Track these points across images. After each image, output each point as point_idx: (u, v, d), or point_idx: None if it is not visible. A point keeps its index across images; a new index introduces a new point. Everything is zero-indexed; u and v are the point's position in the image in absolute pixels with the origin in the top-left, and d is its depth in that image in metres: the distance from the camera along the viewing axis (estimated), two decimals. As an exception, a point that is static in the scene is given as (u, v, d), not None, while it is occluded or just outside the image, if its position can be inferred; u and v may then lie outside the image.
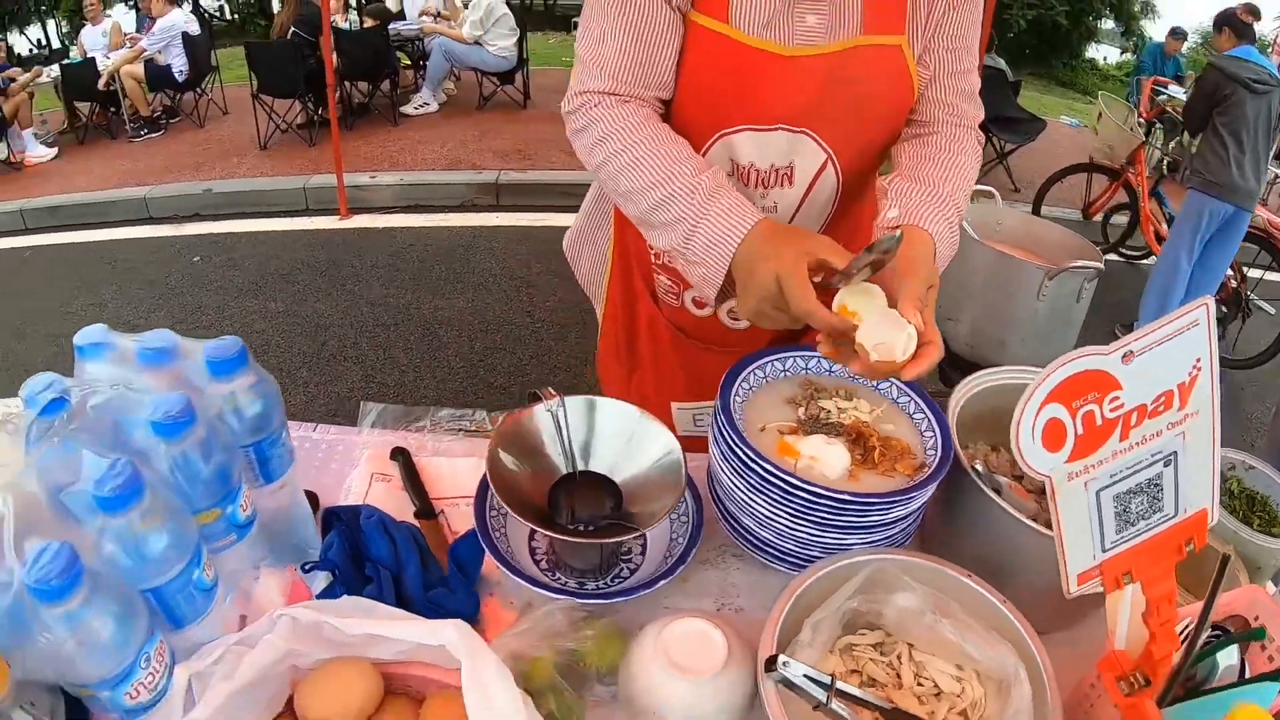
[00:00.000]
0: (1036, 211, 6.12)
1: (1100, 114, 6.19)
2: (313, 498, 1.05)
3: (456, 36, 7.50)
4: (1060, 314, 3.00)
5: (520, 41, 7.74)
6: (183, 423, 0.72)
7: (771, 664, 0.69)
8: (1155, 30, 23.20)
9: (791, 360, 1.04)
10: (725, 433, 0.89)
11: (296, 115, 7.16)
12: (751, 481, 0.87)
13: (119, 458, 0.65)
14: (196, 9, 22.53)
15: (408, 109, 7.80)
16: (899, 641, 0.83)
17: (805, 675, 0.69)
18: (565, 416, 0.97)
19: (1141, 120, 7.45)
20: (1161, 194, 5.75)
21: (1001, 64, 7.86)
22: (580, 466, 0.97)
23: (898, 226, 0.96)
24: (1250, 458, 1.16)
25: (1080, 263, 2.81)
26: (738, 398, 0.96)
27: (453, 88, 8.40)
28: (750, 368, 1.02)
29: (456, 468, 1.13)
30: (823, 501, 0.83)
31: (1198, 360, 0.69)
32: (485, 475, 0.92)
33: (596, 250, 1.47)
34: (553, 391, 0.98)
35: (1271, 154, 4.16)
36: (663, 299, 1.34)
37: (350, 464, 1.14)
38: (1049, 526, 0.76)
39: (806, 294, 0.85)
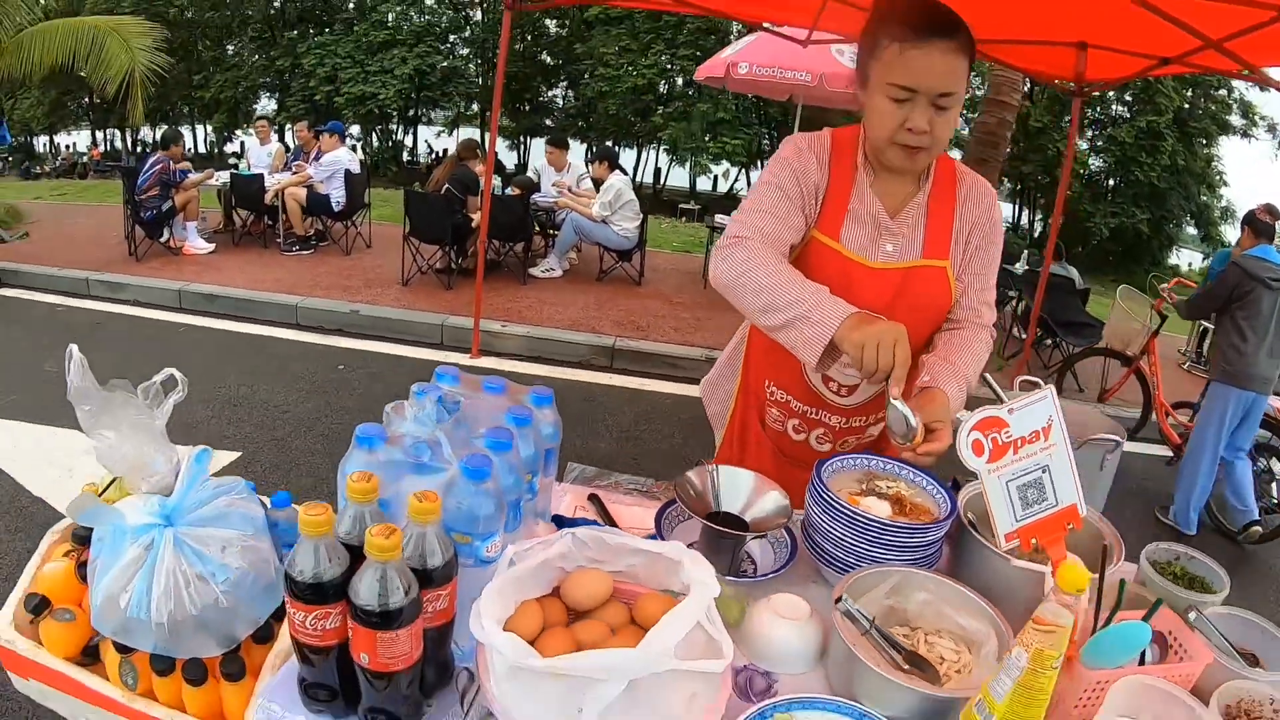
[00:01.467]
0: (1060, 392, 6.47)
1: (1114, 303, 6.67)
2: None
3: (587, 214, 8.38)
4: (1084, 480, 3.39)
5: (642, 225, 8.60)
6: (526, 421, 1.33)
7: (838, 600, 1.24)
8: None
9: (859, 460, 1.62)
10: (818, 488, 1.45)
11: (436, 260, 8.07)
12: (833, 514, 1.42)
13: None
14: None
15: (535, 271, 8.68)
16: (919, 630, 1.35)
17: (858, 610, 1.24)
18: (717, 476, 1.55)
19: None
20: None
21: (1072, 272, 8.40)
22: (723, 507, 1.54)
23: (925, 387, 1.57)
24: (1194, 551, 1.64)
25: (1101, 436, 3.29)
26: (825, 473, 1.54)
27: (575, 258, 9.23)
28: (833, 460, 1.60)
29: (633, 512, 1.71)
30: (873, 527, 1.38)
31: (1050, 416, 1.29)
32: (666, 502, 1.51)
33: (725, 393, 2.08)
34: (709, 461, 1.58)
35: None
36: (770, 426, 1.93)
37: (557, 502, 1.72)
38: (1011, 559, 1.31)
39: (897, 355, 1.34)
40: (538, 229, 9.22)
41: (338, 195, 9.00)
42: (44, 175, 25.28)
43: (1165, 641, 1.31)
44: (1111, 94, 24.50)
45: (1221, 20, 3.06)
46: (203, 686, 1.24)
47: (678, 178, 29.81)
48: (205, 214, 9.47)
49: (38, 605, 1.38)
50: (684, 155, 24.48)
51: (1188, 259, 28.61)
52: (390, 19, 27.97)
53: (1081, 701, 1.15)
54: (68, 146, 33.88)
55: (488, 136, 27.63)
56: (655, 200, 22.34)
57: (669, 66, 23.48)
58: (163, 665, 1.24)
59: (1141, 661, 1.24)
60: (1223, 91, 23.47)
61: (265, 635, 1.28)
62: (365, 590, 0.93)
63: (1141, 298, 6.87)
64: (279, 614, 1.27)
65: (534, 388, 1.45)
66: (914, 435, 1.39)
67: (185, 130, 29.90)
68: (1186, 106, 23.55)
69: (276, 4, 29.43)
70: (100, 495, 1.47)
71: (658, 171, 30.25)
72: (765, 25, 5.68)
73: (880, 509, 1.45)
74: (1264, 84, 4.04)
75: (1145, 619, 1.17)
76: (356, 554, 0.99)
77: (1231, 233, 24.78)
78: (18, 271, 7.79)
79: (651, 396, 5.91)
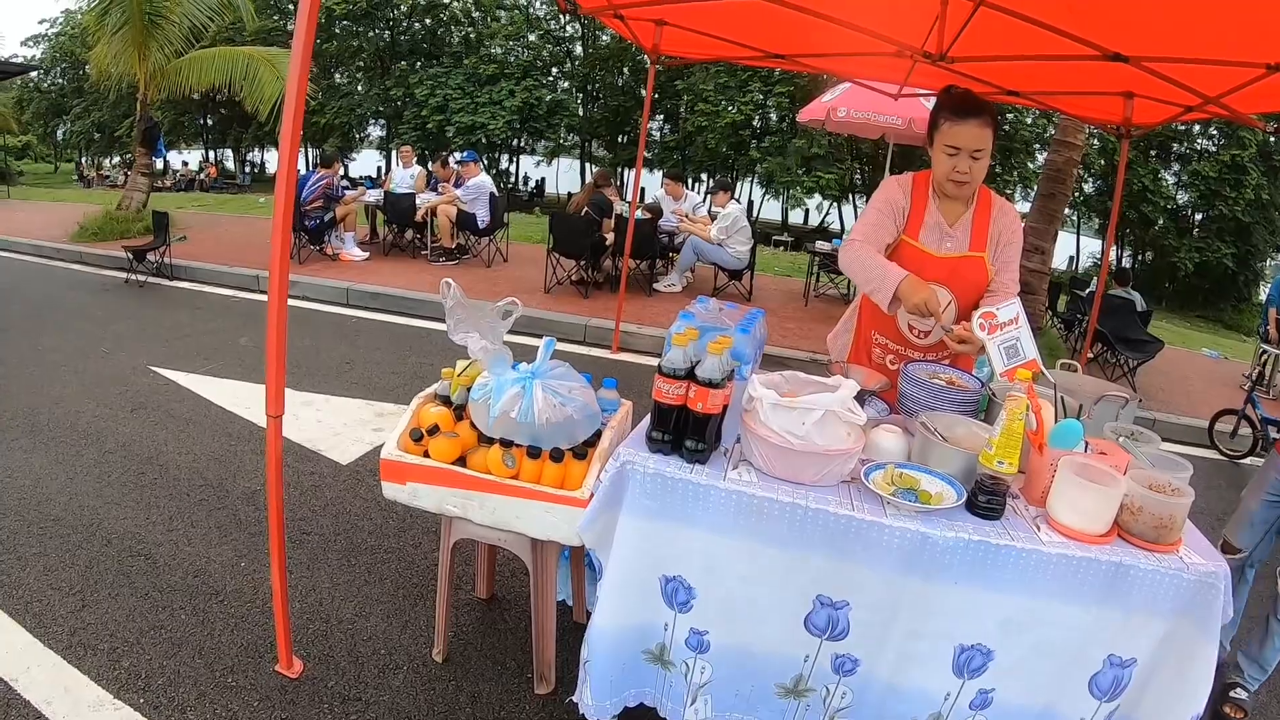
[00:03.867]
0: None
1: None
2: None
3: (705, 236, 9.53)
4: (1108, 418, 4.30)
5: (752, 249, 9.74)
6: (747, 328, 2.51)
7: (922, 422, 2.37)
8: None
9: (929, 365, 2.76)
10: (909, 371, 2.60)
11: (574, 273, 9.22)
12: (914, 382, 2.56)
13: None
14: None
15: (658, 285, 9.94)
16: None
17: (931, 426, 2.37)
18: (847, 370, 2.70)
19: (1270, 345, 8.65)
20: (1256, 399, 6.99)
21: (1134, 296, 9.30)
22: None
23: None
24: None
25: (1114, 393, 4.16)
26: (911, 369, 2.68)
27: (691, 276, 10.41)
28: (913, 364, 2.74)
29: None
30: (937, 389, 2.51)
31: (1018, 314, 2.45)
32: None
33: (843, 343, 3.22)
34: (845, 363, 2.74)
35: None
36: (874, 361, 3.07)
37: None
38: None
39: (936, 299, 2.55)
40: (660, 250, 10.26)
41: (483, 214, 10.35)
42: (164, 189, 27.09)
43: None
44: (1196, 128, 24.76)
45: (1216, 81, 3.72)
46: (559, 464, 2.39)
47: (770, 210, 30.64)
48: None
49: (431, 429, 2.44)
50: (779, 188, 25.41)
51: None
52: (496, 53, 29.55)
53: (1050, 471, 2.20)
54: (183, 163, 36.43)
55: (588, 167, 28.82)
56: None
57: (765, 102, 24.30)
58: (535, 453, 2.37)
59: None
60: (1316, 134, 23.55)
61: (585, 452, 2.39)
62: (708, 367, 2.10)
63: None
64: (591, 442, 2.39)
65: (751, 309, 2.62)
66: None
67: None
68: (1271, 140, 23.63)
69: (387, 36, 31.24)
70: (458, 375, 2.62)
71: (750, 204, 31.20)
72: (862, 81, 6.61)
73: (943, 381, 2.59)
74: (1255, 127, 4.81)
75: (1078, 418, 2.27)
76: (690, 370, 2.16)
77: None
78: (189, 268, 9.29)
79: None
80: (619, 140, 30.41)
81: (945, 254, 2.79)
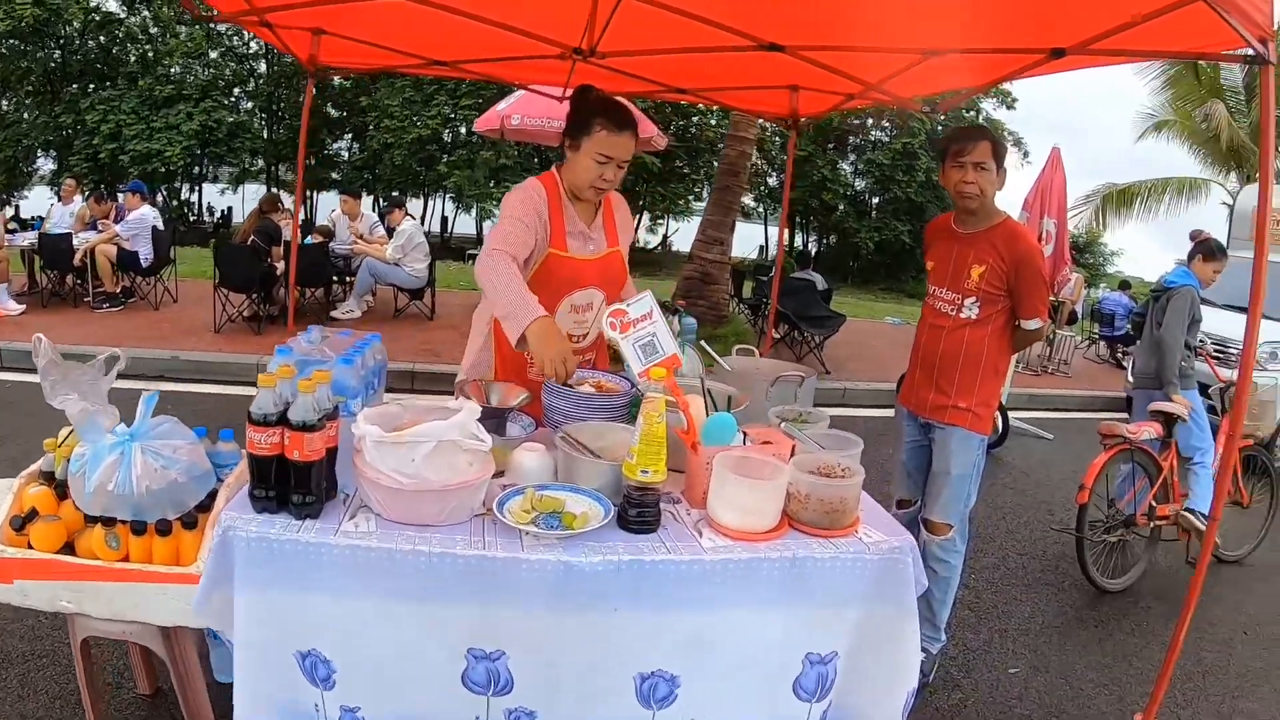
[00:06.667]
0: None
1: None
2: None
3: (380, 257, 9.16)
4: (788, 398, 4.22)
5: (431, 265, 9.48)
6: (354, 355, 2.25)
7: (561, 437, 2.21)
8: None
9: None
10: (550, 383, 2.43)
11: (245, 308, 8.56)
12: (555, 393, 2.40)
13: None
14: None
15: (336, 313, 9.32)
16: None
17: (572, 438, 2.21)
18: (487, 387, 2.50)
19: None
20: None
21: (814, 276, 9.93)
22: (493, 404, 2.48)
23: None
24: (834, 431, 2.72)
25: (790, 373, 4.20)
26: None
27: (372, 300, 9.89)
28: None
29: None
30: (578, 397, 2.36)
31: (651, 308, 2.32)
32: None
33: (486, 358, 2.93)
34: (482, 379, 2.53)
35: None
36: (532, 374, 2.89)
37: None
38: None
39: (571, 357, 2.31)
40: (335, 275, 9.87)
41: (145, 251, 9.34)
42: None
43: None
44: (870, 120, 27.23)
45: (874, 68, 3.82)
46: (168, 536, 2.07)
47: (464, 224, 30.45)
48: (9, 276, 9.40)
49: (28, 516, 2.12)
50: (469, 202, 25.31)
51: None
52: (175, 72, 27.28)
53: (707, 470, 2.08)
54: None
55: (280, 192, 27.41)
56: (444, 247, 22.72)
57: (452, 116, 23.88)
58: (139, 528, 2.05)
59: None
60: (971, 114, 26.38)
61: (195, 520, 2.10)
62: (299, 408, 1.82)
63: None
64: (205, 507, 2.11)
65: (365, 334, 2.36)
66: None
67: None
68: (940, 128, 26.29)
69: (58, 56, 27.97)
70: (59, 446, 2.29)
71: (444, 220, 31.06)
72: (530, 86, 6.51)
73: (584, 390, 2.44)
74: (908, 109, 5.13)
75: (727, 410, 2.19)
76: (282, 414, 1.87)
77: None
78: None
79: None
80: (309, 162, 28.96)
81: (590, 256, 2.73)
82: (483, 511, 1.99)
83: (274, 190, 22.06)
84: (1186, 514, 4.85)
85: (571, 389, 2.36)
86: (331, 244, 9.69)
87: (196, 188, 31.36)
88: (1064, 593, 4.62)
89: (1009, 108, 27.22)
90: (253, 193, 30.64)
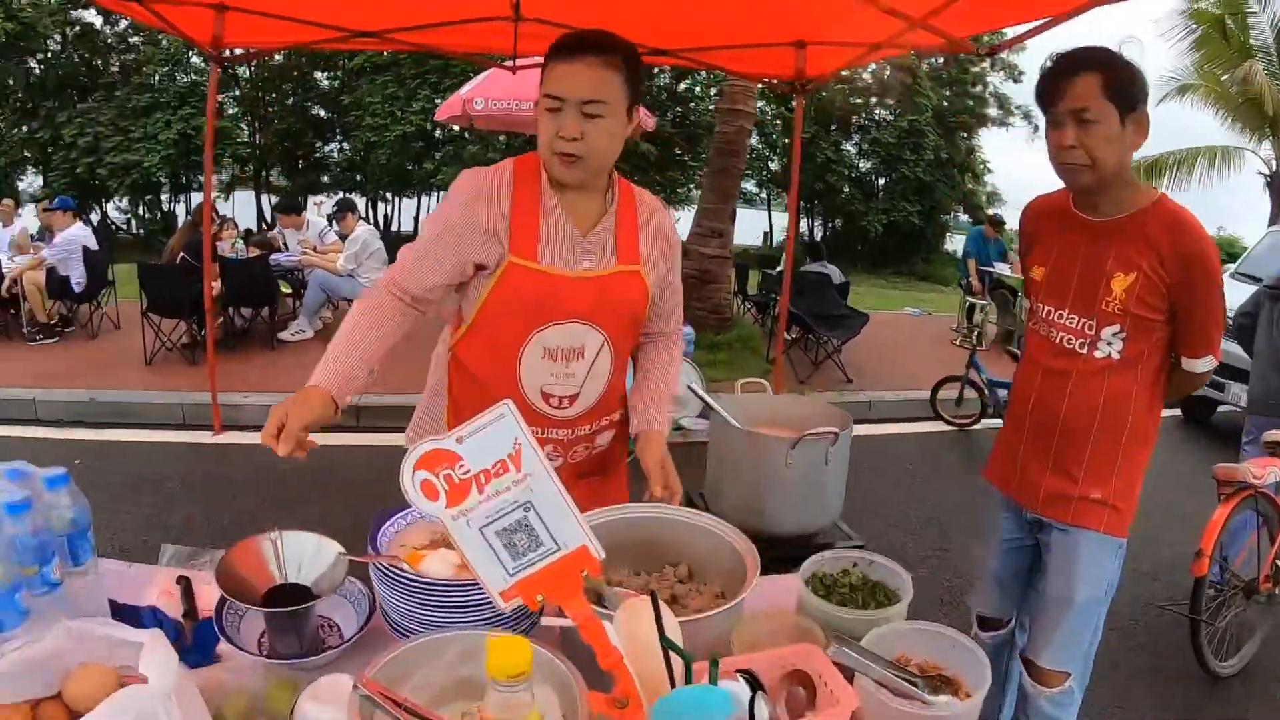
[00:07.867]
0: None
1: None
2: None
3: (332, 269, 8.17)
4: (810, 478, 3.38)
5: None
6: (21, 507, 1.21)
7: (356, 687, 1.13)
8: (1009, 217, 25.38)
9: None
10: (374, 548, 1.37)
11: (182, 335, 7.64)
12: (385, 579, 1.34)
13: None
14: (104, 221, 23.27)
15: (285, 335, 8.31)
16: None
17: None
18: (281, 543, 1.44)
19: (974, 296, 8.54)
20: (978, 362, 6.59)
21: (829, 269, 8.84)
22: (290, 577, 1.42)
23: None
24: (875, 555, 1.64)
25: (818, 430, 3.31)
26: (393, 525, 1.46)
27: (330, 317, 8.87)
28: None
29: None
30: (426, 588, 1.30)
31: (516, 440, 1.15)
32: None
33: (437, 419, 2.05)
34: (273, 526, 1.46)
35: None
36: None
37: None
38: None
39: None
40: (288, 290, 8.90)
41: (77, 276, 8.34)
42: None
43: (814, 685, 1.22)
44: (874, 99, 26.06)
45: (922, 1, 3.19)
46: None
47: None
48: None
49: None
50: (461, 200, 24.27)
51: (958, 244, 30.87)
52: (154, 81, 26.44)
53: None
54: None
55: (268, 199, 26.55)
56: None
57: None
58: None
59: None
60: (979, 88, 25.23)
61: None
62: None
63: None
64: None
65: (50, 469, 1.34)
66: None
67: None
68: (946, 105, 24.95)
69: (38, 70, 27.12)
70: None
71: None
72: (498, 60, 5.72)
73: (442, 566, 1.34)
74: (962, 53, 4.27)
75: (711, 680, 1.06)
76: None
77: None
78: None
79: (398, 451, 5.65)
80: (298, 166, 27.90)
81: (581, 273, 1.79)
82: None
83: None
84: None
85: (401, 571, 1.30)
86: (275, 256, 8.73)
87: (183, 197, 30.48)
88: (1170, 684, 3.55)
89: (1015, 81, 25.91)
90: (244, 200, 29.83)
